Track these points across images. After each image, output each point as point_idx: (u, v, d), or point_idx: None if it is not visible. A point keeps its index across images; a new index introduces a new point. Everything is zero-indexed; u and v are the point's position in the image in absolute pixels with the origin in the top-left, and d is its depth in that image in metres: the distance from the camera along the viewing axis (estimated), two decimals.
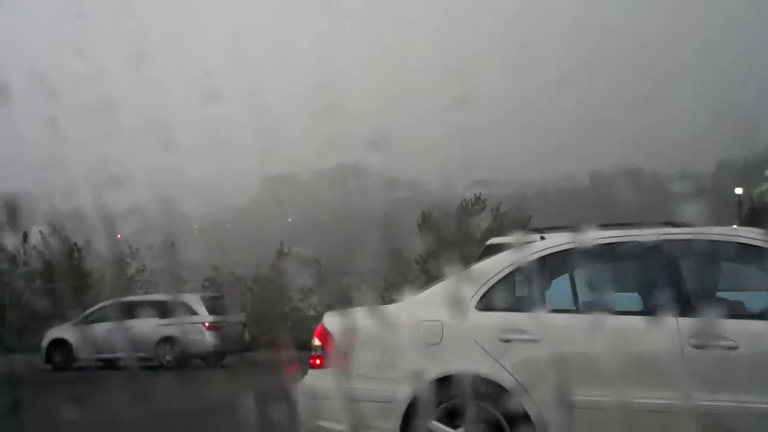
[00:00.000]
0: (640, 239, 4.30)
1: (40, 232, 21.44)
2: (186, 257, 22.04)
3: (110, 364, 14.38)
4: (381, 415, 4.26)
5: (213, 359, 15.67)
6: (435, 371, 4.20)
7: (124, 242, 21.39)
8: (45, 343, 15.79)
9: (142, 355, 14.57)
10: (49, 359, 15.64)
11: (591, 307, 4.41)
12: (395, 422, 4.23)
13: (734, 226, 4.94)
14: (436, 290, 4.62)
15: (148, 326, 15.14)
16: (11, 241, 21.29)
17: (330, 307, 5.29)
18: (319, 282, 19.85)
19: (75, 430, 6.70)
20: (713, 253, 4.28)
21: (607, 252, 4.35)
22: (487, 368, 4.14)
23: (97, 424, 7.01)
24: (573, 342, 4.06)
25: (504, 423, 4.08)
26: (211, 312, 15.66)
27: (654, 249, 4.24)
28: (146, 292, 19.89)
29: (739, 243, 4.17)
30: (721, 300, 4.27)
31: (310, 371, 4.65)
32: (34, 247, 21.50)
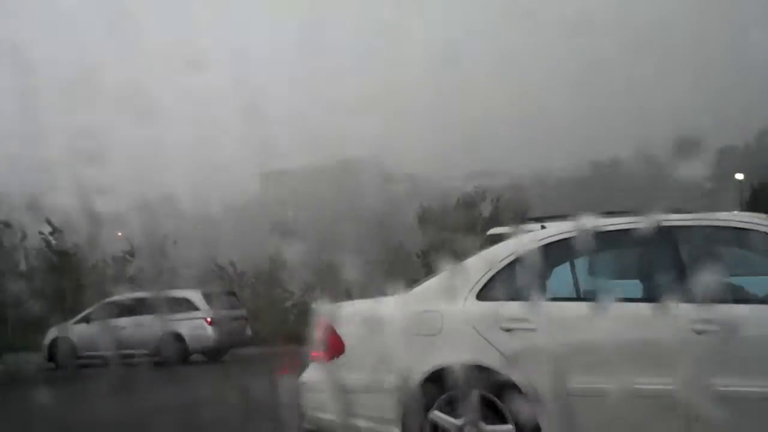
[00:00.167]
0: (641, 226, 4.27)
1: (40, 232, 21.44)
2: (186, 253, 22.04)
3: (112, 361, 14.36)
4: (382, 406, 4.24)
5: (215, 354, 15.69)
6: (435, 362, 4.18)
7: (124, 240, 21.40)
8: (47, 341, 15.81)
9: (144, 351, 14.57)
10: (51, 357, 15.65)
11: (593, 295, 4.39)
12: (397, 413, 4.22)
13: (735, 212, 4.91)
14: (436, 281, 4.60)
15: (149, 323, 15.14)
16: (11, 239, 21.31)
17: (330, 300, 5.27)
18: (319, 275, 19.85)
19: (76, 427, 6.69)
20: (715, 238, 4.26)
21: (608, 240, 4.32)
22: (487, 358, 4.12)
23: (95, 421, 7.00)
24: (574, 330, 4.04)
25: (506, 412, 4.07)
26: (212, 307, 15.66)
27: (655, 236, 4.21)
28: (147, 289, 19.89)
29: (741, 228, 4.14)
30: (725, 285, 4.24)
31: (311, 364, 4.63)
32: (42, 242, 21.46)
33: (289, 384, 4.75)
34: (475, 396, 4.12)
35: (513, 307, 4.24)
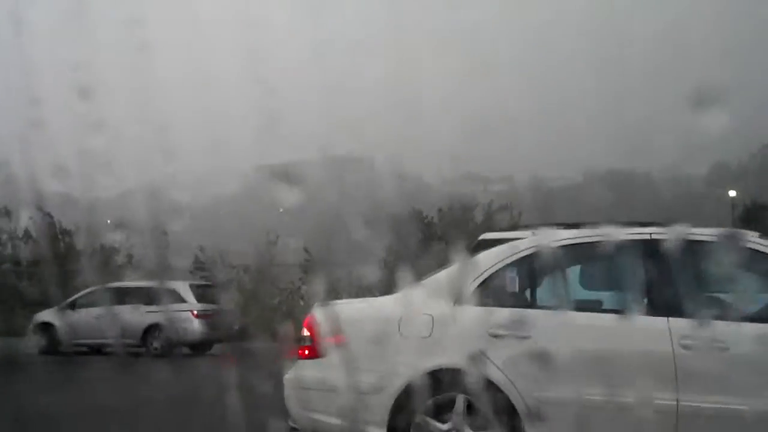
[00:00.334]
0: (630, 238, 4.28)
1: (30, 217, 21.33)
2: (176, 244, 21.95)
3: (96, 350, 14.29)
4: (369, 407, 4.23)
5: (201, 347, 15.61)
6: (424, 365, 4.17)
7: (113, 227, 21.27)
8: (32, 326, 15.72)
9: (128, 341, 14.49)
10: (37, 343, 15.54)
11: (581, 305, 4.40)
12: (383, 415, 4.21)
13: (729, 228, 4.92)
14: (427, 284, 4.59)
15: (135, 313, 15.05)
16: (7, 225, 21.17)
17: (320, 298, 5.25)
18: (309, 273, 19.82)
19: (52, 416, 6.63)
20: (706, 254, 4.27)
21: (598, 250, 4.32)
22: (475, 363, 4.11)
23: (74, 409, 6.94)
24: (562, 339, 4.04)
25: (492, 417, 4.06)
26: (199, 300, 15.58)
27: (645, 248, 4.22)
28: (134, 279, 19.80)
29: (736, 246, 4.15)
30: (713, 301, 4.25)
31: (299, 362, 4.61)
32: (25, 230, 21.38)
33: (274, 381, 4.73)
34: (461, 401, 4.11)
35: (502, 314, 4.23)
